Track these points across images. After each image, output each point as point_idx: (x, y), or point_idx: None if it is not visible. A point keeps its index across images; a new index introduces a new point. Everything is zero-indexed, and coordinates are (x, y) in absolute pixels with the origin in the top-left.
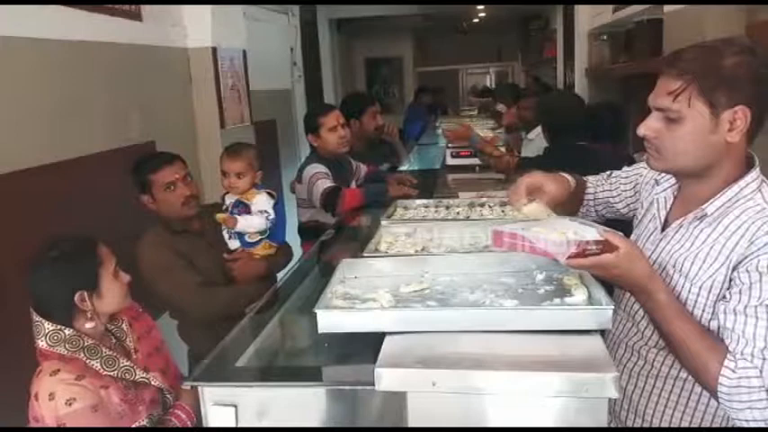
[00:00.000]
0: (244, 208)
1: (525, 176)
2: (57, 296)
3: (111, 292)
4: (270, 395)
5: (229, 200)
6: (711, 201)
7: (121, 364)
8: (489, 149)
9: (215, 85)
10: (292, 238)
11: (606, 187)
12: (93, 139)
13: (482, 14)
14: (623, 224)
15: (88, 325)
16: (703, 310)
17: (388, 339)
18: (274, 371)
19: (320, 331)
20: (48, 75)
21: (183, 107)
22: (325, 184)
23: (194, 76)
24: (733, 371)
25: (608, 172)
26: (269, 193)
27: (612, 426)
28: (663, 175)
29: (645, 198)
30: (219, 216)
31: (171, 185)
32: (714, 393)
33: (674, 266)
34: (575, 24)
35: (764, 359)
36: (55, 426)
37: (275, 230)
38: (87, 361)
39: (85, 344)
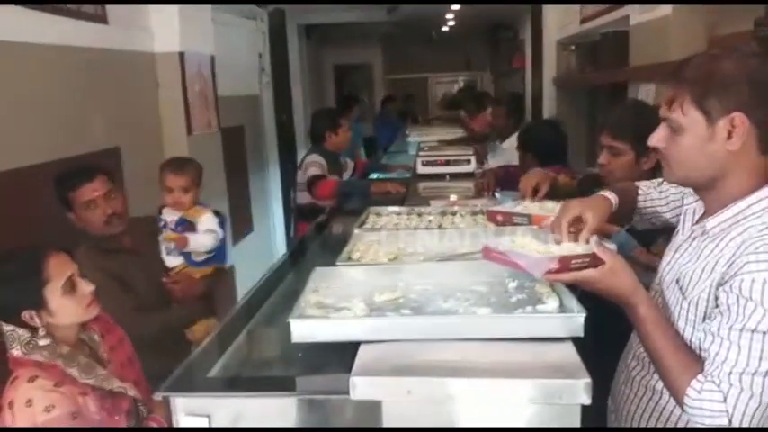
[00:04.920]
0: (188, 226)
1: (564, 208)
2: (7, 315)
3: (64, 307)
4: (244, 405)
5: (170, 216)
6: (714, 216)
7: (99, 373)
8: None
9: (182, 91)
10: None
11: (656, 196)
12: (55, 145)
13: (451, 23)
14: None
15: (42, 342)
16: (694, 327)
17: (362, 348)
18: (248, 381)
19: (294, 341)
20: (8, 78)
21: (149, 112)
22: (314, 172)
23: (161, 81)
24: (698, 392)
25: (657, 180)
26: (215, 212)
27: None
28: None
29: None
30: (170, 236)
31: (91, 204)
32: (683, 408)
33: (676, 279)
34: (543, 35)
35: (731, 385)
36: None
37: (221, 250)
38: (65, 368)
39: (62, 351)
